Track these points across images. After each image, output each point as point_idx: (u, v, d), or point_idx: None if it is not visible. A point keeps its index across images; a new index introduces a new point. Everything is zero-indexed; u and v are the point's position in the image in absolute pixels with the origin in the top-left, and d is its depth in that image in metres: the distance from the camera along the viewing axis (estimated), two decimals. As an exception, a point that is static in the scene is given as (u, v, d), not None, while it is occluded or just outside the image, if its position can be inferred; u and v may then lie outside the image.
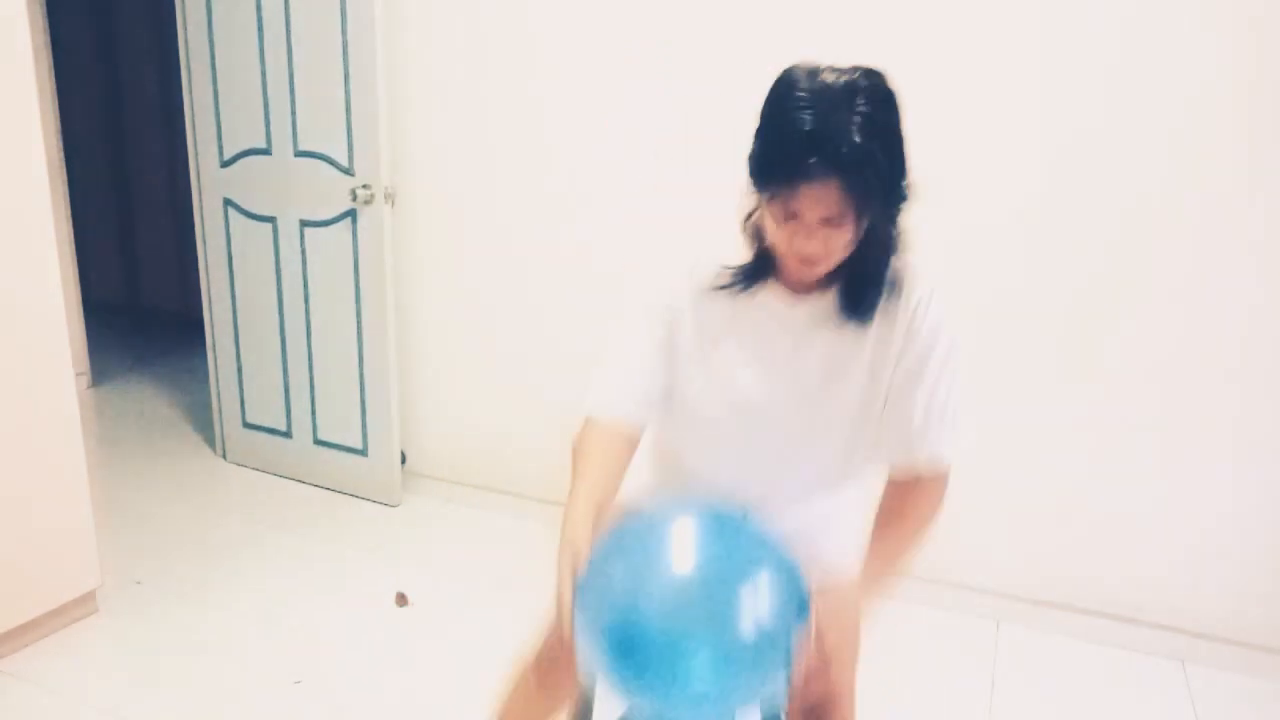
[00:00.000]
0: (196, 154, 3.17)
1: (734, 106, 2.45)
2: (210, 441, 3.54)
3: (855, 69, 1.08)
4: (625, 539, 1.06)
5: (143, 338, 5.10)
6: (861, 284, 1.19)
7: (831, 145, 1.03)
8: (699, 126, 2.46)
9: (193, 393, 4.11)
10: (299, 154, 2.93)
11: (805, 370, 1.23)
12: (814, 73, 1.07)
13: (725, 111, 2.44)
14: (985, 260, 2.29)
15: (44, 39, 3.81)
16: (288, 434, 3.23)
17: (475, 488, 3.08)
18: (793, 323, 1.23)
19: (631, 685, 0.99)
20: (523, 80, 2.67)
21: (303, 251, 3.01)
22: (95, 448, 3.47)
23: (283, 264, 3.07)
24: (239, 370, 3.29)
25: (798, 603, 1.01)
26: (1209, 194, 2.09)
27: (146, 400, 4.09)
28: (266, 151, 2.99)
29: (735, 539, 1.06)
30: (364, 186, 2.81)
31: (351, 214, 2.88)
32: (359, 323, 2.97)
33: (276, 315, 3.13)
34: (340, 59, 2.76)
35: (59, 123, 3.97)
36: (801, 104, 1.05)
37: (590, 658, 1.03)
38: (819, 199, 1.06)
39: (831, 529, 1.35)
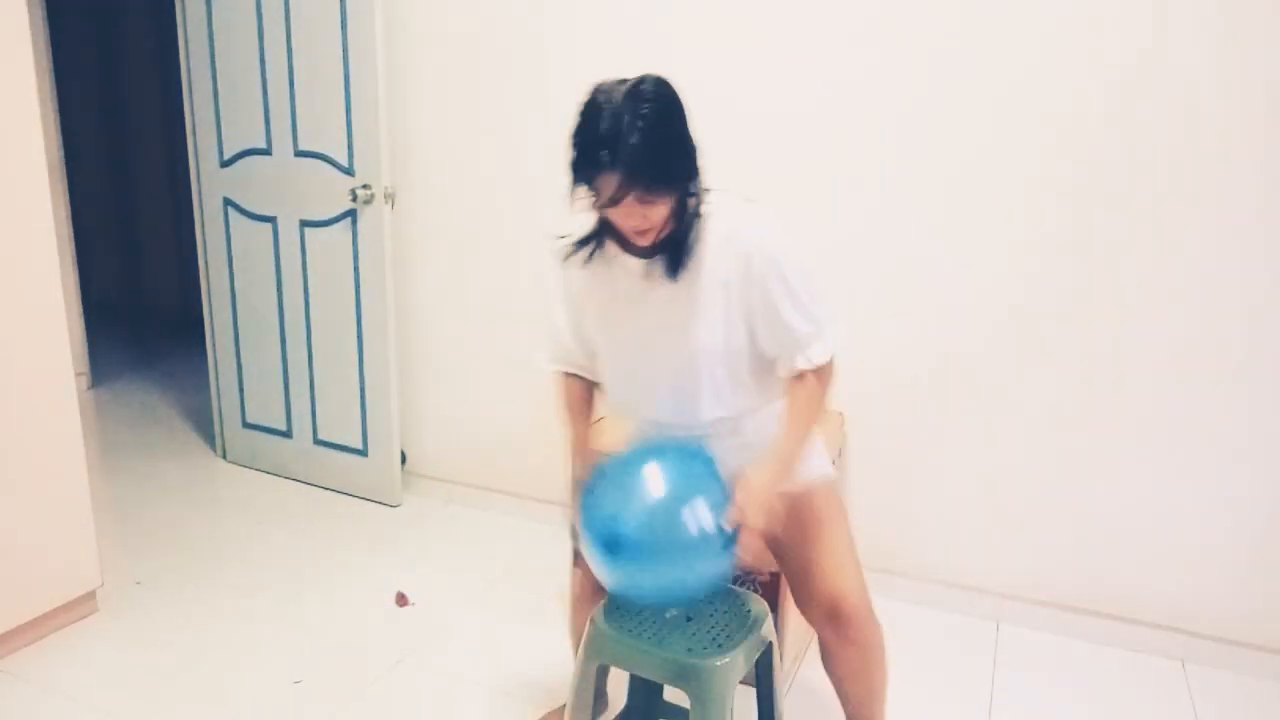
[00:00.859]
0: (196, 154, 3.17)
1: (734, 107, 2.47)
2: (210, 441, 3.54)
3: (642, 79, 1.33)
4: (605, 472, 1.47)
5: (143, 338, 5.10)
6: (673, 249, 1.44)
7: (615, 142, 1.28)
8: (699, 126, 2.45)
9: (193, 393, 4.11)
10: (299, 154, 2.93)
11: (659, 315, 1.50)
12: (608, 85, 1.34)
13: (725, 111, 2.44)
14: (985, 260, 2.29)
15: (44, 39, 3.81)
16: (288, 434, 3.23)
17: (475, 488, 3.08)
18: (640, 280, 1.49)
19: (613, 573, 1.41)
20: (523, 80, 2.67)
21: (303, 251, 3.01)
22: (95, 448, 3.47)
23: (283, 264, 3.07)
24: (239, 370, 3.29)
25: (722, 500, 1.41)
26: (1209, 192, 2.08)
27: (146, 400, 4.09)
28: (266, 151, 2.99)
29: (680, 465, 1.44)
30: (364, 186, 2.81)
31: (351, 214, 2.88)
32: (359, 323, 2.97)
33: (276, 315, 3.13)
34: (340, 59, 2.76)
35: (59, 123, 3.97)
36: (595, 111, 1.32)
37: (589, 555, 1.44)
38: (615, 186, 1.30)
39: (760, 443, 1.57)
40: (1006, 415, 2.35)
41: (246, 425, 3.33)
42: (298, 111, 2.89)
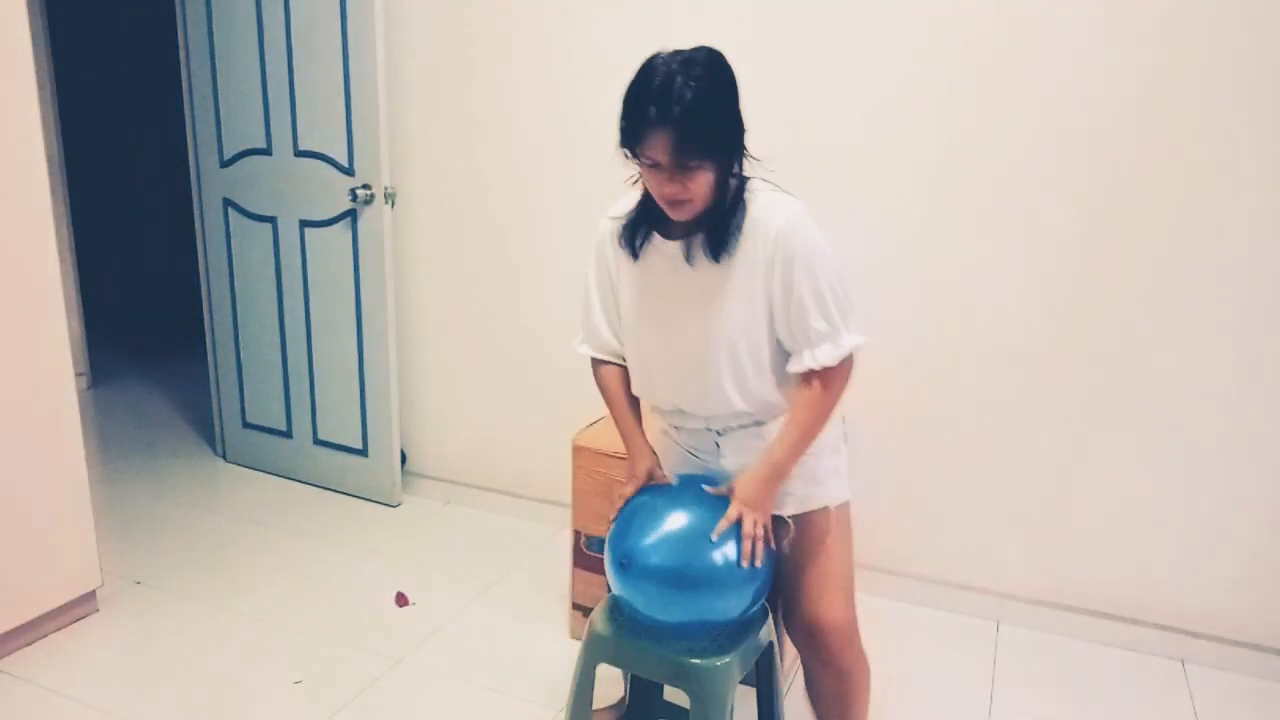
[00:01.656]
0: (196, 154, 3.17)
1: (749, 110, 2.46)
2: (210, 441, 3.54)
3: (698, 48, 1.37)
4: (638, 505, 1.54)
5: (142, 337, 5.10)
6: (715, 229, 1.44)
7: (666, 100, 1.30)
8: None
9: (193, 393, 4.11)
10: (299, 154, 2.93)
11: (690, 296, 1.50)
12: (663, 54, 1.36)
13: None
14: (987, 265, 2.29)
15: (44, 39, 3.81)
16: (288, 434, 3.23)
17: (475, 488, 3.08)
18: (675, 261, 1.50)
19: (623, 589, 1.50)
20: (524, 80, 2.67)
21: (303, 251, 3.01)
22: (95, 448, 3.47)
23: (283, 264, 3.07)
24: (239, 370, 3.29)
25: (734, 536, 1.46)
26: (1208, 190, 2.09)
27: (146, 400, 4.09)
28: (266, 151, 2.99)
29: (698, 508, 1.49)
30: (364, 186, 2.81)
31: (351, 214, 2.88)
32: (359, 323, 2.97)
33: (276, 315, 3.13)
34: (340, 59, 2.76)
35: (59, 123, 3.97)
36: (650, 72, 1.34)
37: (607, 568, 1.53)
38: (661, 144, 1.32)
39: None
40: (1007, 416, 2.35)
41: (246, 425, 3.33)
42: (298, 111, 2.89)
